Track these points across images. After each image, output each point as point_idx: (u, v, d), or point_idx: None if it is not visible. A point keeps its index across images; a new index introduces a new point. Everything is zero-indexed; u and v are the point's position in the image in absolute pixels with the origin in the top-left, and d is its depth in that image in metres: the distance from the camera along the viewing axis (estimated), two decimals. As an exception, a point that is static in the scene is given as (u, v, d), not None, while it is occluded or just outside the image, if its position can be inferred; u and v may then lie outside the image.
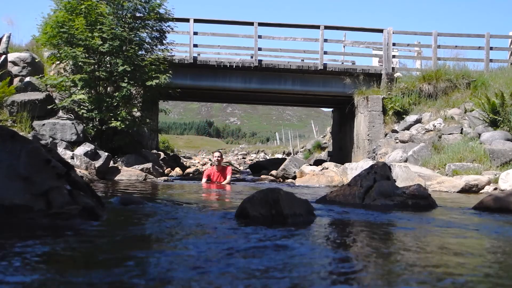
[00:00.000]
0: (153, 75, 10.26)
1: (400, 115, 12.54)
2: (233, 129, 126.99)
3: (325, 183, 8.53)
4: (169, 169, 11.59)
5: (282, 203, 2.73)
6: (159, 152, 13.06)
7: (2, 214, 2.26)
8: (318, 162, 13.90)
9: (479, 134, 9.57)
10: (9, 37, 10.89)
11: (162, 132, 19.70)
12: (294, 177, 10.17)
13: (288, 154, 28.27)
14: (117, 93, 10.00)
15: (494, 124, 9.79)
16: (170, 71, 10.80)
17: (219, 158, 8.36)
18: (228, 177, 8.11)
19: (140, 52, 10.69)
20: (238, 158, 37.72)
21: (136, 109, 10.73)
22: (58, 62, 10.47)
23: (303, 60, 15.17)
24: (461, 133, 10.02)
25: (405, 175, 6.88)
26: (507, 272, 1.68)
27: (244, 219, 2.78)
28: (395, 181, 4.30)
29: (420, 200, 3.94)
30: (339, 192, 4.13)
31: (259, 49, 13.50)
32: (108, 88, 10.38)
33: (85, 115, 9.87)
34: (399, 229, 2.80)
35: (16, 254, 1.72)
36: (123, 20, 10.56)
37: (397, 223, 3.02)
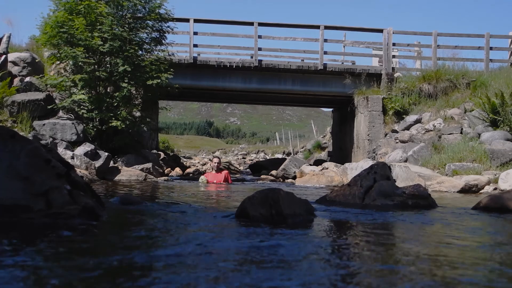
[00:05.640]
0: (154, 75, 10.26)
1: (400, 115, 12.54)
2: (233, 129, 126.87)
3: (325, 183, 8.53)
4: (169, 169, 11.59)
5: (282, 203, 2.74)
6: (159, 152, 13.05)
7: (2, 214, 2.26)
8: (318, 162, 13.90)
9: (479, 134, 9.57)
10: (9, 37, 10.90)
11: (162, 132, 19.69)
12: (294, 177, 10.17)
13: (288, 154, 28.27)
14: (117, 93, 10.00)
15: (494, 124, 9.79)
16: (171, 69, 10.79)
17: (218, 164, 8.59)
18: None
19: (140, 52, 10.69)
20: (238, 158, 37.67)
21: (136, 109, 10.73)
22: (58, 62, 10.47)
23: (303, 60, 15.17)
24: (461, 133, 10.02)
25: (405, 175, 6.89)
26: (507, 271, 1.69)
27: (244, 219, 2.79)
28: (395, 181, 4.31)
29: (420, 200, 3.94)
30: (339, 192, 4.13)
31: (259, 49, 13.50)
32: (108, 88, 10.37)
33: (85, 115, 9.87)
34: (398, 229, 2.81)
35: (16, 254, 1.72)
36: (123, 20, 10.56)
37: (397, 223, 3.03)
